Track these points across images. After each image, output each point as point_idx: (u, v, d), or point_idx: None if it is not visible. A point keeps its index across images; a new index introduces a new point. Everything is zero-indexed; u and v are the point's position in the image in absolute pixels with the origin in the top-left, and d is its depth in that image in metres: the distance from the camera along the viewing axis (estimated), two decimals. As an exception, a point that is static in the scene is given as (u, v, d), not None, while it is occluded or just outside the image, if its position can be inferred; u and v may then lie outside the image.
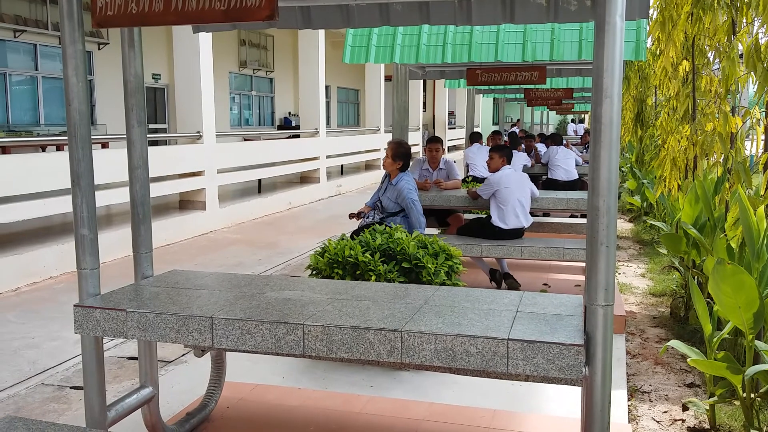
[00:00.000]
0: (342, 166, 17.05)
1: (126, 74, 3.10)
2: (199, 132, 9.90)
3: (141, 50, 3.12)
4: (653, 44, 7.31)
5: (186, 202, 10.03)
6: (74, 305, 2.89)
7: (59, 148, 10.26)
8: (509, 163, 6.28)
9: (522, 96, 12.09)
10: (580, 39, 5.50)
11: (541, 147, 12.36)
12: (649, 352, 4.96)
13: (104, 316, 2.81)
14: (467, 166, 9.50)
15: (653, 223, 8.07)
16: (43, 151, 10.29)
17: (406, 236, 4.55)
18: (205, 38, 9.81)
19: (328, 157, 14.98)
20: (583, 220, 7.59)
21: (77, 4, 2.73)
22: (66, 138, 2.78)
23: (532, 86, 9.63)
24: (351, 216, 5.84)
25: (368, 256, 4.32)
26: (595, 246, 2.30)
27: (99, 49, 13.12)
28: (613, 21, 2.24)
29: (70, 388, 4.21)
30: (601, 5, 2.25)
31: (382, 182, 5.87)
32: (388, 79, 19.76)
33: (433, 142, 7.29)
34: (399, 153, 5.63)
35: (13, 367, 4.54)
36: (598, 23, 2.27)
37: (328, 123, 17.18)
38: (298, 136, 15.10)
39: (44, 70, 12.36)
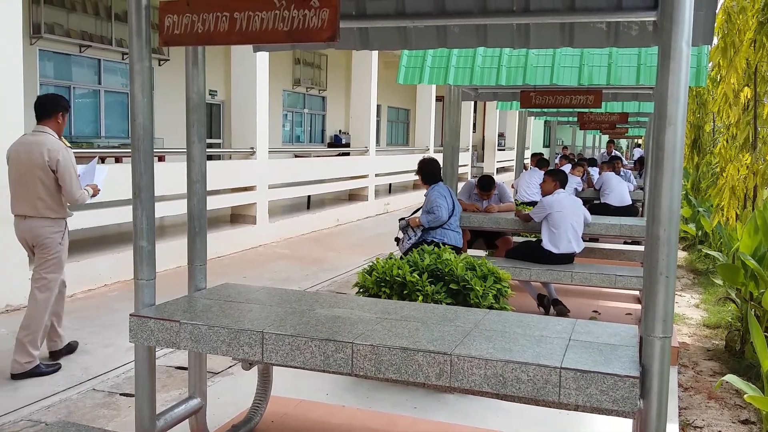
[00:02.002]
0: (390, 184, 17.11)
1: (188, 91, 3.18)
2: (252, 148, 10.08)
3: (204, 68, 3.20)
4: (713, 70, 7.16)
5: (237, 216, 10.19)
6: (130, 315, 2.95)
7: (118, 159, 10.57)
8: (563, 187, 6.20)
9: (575, 119, 11.96)
10: (638, 63, 5.42)
11: (593, 171, 12.19)
12: (703, 386, 4.80)
13: (158, 327, 2.87)
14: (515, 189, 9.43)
15: (709, 252, 7.85)
16: (103, 162, 10.61)
17: (455, 257, 4.53)
18: (262, 57, 10.01)
19: (376, 175, 15.06)
20: (637, 247, 7.42)
21: (146, 23, 2.83)
22: (124, 150, 2.87)
23: (586, 110, 9.52)
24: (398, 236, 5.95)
25: (416, 276, 4.31)
26: (654, 276, 2.25)
27: (159, 65, 13.52)
28: (679, 47, 2.21)
29: (120, 395, 4.30)
30: (667, 31, 2.21)
31: None
32: (438, 99, 19.84)
33: (485, 190, 7.08)
34: (418, 168, 5.96)
35: (67, 372, 4.66)
36: (663, 49, 2.23)
37: (377, 142, 17.32)
38: (347, 154, 15.23)
39: (107, 84, 12.78)
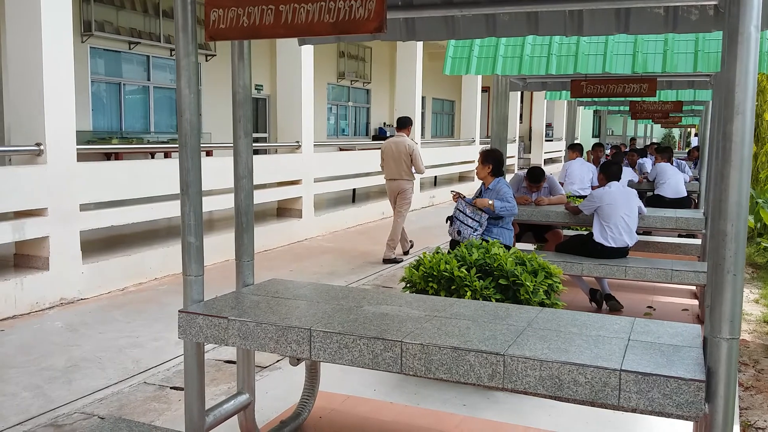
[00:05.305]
0: (435, 177, 16.99)
1: (235, 86, 3.15)
2: (298, 142, 10.11)
3: (250, 62, 3.17)
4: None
5: (283, 210, 10.25)
6: (179, 311, 2.95)
7: (167, 155, 10.74)
8: (617, 179, 6.00)
9: (626, 108, 11.64)
10: (695, 50, 5.20)
11: (645, 161, 11.85)
12: (764, 385, 4.60)
13: (207, 323, 2.86)
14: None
15: (769, 245, 7.54)
16: (152, 157, 10.80)
17: (504, 252, 4.42)
18: (307, 51, 10.01)
19: (422, 167, 14.94)
20: (693, 241, 7.17)
21: (192, 18, 2.81)
22: (173, 146, 2.86)
23: (638, 99, 9.24)
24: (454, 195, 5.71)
25: (464, 271, 4.22)
26: (721, 274, 2.12)
27: (206, 60, 13.68)
28: (748, 32, 2.08)
29: (170, 388, 4.34)
30: (735, 15, 2.08)
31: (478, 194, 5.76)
32: (484, 89, 19.59)
33: (534, 182, 6.92)
34: (488, 157, 5.61)
35: (119, 365, 4.73)
36: (730, 34, 2.10)
37: (422, 134, 17.23)
38: (392, 147, 15.14)
39: (155, 81, 13.00)
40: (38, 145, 5.97)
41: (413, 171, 8.57)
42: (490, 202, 5.38)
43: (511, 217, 5.45)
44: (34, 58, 5.92)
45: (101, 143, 10.91)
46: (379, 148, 8.90)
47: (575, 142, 10.22)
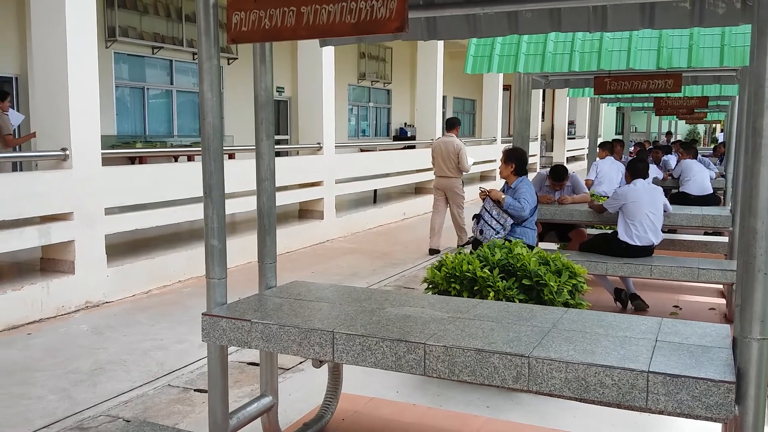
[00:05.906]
0: (456, 177, 16.92)
1: (257, 88, 3.16)
2: (319, 143, 10.12)
3: (272, 65, 3.17)
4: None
5: (305, 212, 10.26)
6: (202, 314, 2.96)
7: (190, 158, 10.82)
8: (644, 177, 5.92)
9: (650, 104, 11.49)
10: (722, 44, 5.10)
11: (669, 158, 11.69)
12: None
13: (230, 326, 2.86)
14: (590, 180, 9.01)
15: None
16: (176, 161, 10.89)
17: (527, 252, 4.38)
18: (328, 52, 10.02)
19: (443, 167, 14.88)
20: (720, 238, 7.05)
21: (214, 22, 2.81)
22: (196, 149, 2.86)
23: (663, 95, 9.10)
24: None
25: (486, 271, 4.19)
26: (752, 272, 2.07)
27: (228, 64, 13.77)
28: (777, 24, 2.02)
29: (194, 390, 4.35)
30: (765, 6, 2.03)
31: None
32: (506, 88, 19.48)
33: (557, 180, 6.89)
34: (510, 155, 5.61)
35: (143, 368, 4.76)
36: (759, 27, 2.05)
37: (443, 133, 17.13)
38: (413, 147, 15.13)
39: (178, 85, 13.11)
40: (64, 150, 6.04)
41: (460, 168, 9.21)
42: (503, 197, 5.45)
43: (518, 217, 5.42)
44: (59, 64, 5.99)
45: (125, 147, 11.03)
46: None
47: (604, 140, 10.09)
